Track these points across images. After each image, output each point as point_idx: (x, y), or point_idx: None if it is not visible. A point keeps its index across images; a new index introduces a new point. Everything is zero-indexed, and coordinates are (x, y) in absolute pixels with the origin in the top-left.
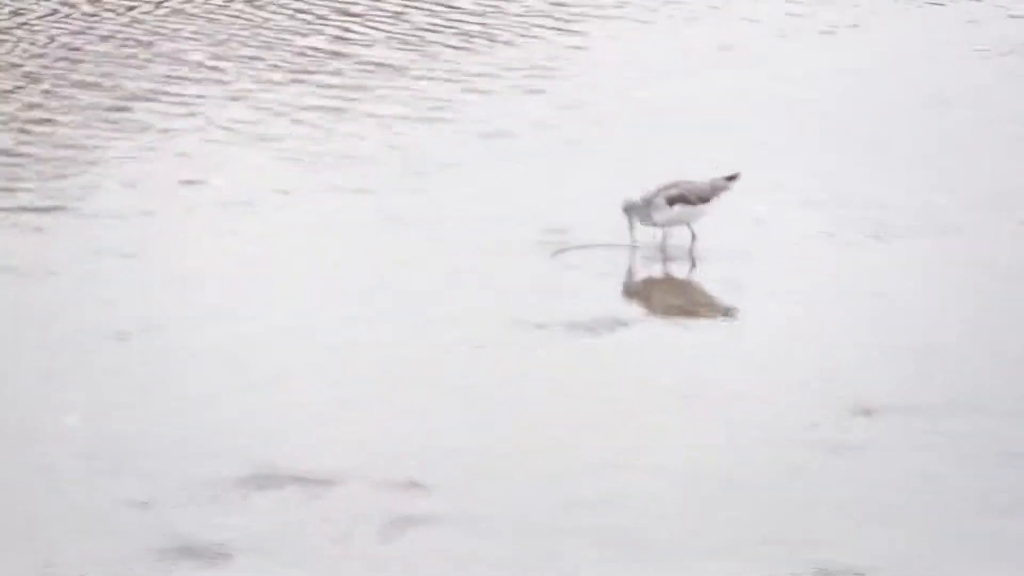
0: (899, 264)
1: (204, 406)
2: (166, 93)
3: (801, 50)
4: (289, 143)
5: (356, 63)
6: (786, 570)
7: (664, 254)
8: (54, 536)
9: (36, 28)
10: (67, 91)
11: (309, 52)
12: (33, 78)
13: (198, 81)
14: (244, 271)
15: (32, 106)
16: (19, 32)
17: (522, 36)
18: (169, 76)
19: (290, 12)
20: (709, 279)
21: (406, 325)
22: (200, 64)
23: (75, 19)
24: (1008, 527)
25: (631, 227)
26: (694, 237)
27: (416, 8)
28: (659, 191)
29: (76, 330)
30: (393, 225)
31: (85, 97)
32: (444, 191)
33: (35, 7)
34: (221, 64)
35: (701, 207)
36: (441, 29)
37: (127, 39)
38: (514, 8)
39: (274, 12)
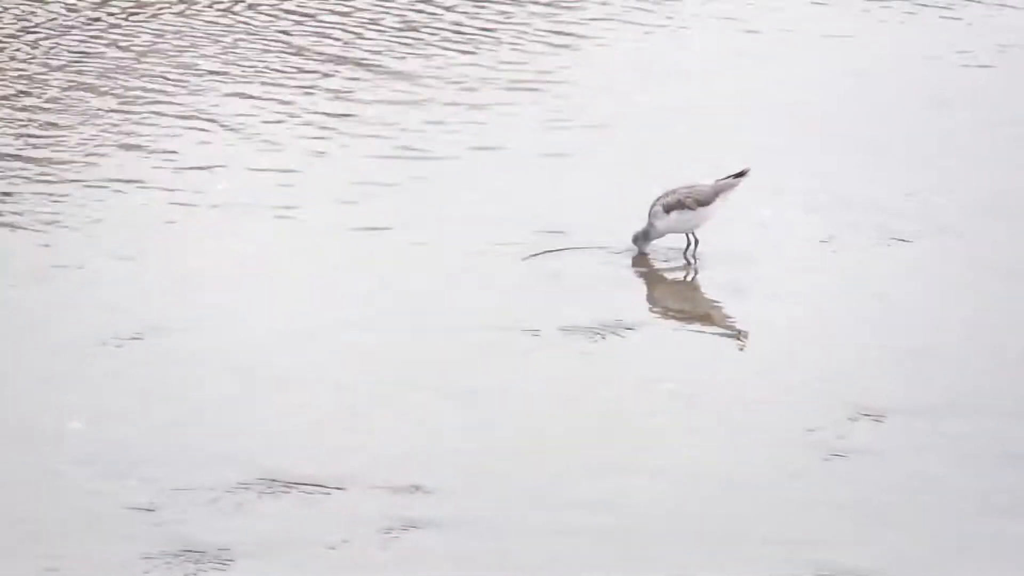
0: (900, 266)
1: (205, 410)
2: (168, 97)
3: (801, 53)
4: (290, 147)
5: (358, 67)
6: (787, 571)
7: (666, 257)
8: (56, 540)
9: (39, 33)
10: (70, 95)
11: (311, 56)
12: (36, 82)
13: (201, 85)
14: (245, 274)
15: (35, 110)
16: (22, 36)
17: (524, 40)
18: (172, 80)
19: (292, 17)
20: (710, 282)
21: (406, 328)
22: (203, 68)
23: (78, 24)
24: (1008, 528)
25: (643, 248)
26: (696, 241)
27: (418, 12)
28: (656, 201)
29: (78, 334)
30: (394, 228)
31: (88, 101)
32: (445, 194)
33: (39, 12)
34: (224, 68)
35: (701, 211)
36: (443, 33)
37: (130, 43)
38: (516, 13)
39: (276, 16)
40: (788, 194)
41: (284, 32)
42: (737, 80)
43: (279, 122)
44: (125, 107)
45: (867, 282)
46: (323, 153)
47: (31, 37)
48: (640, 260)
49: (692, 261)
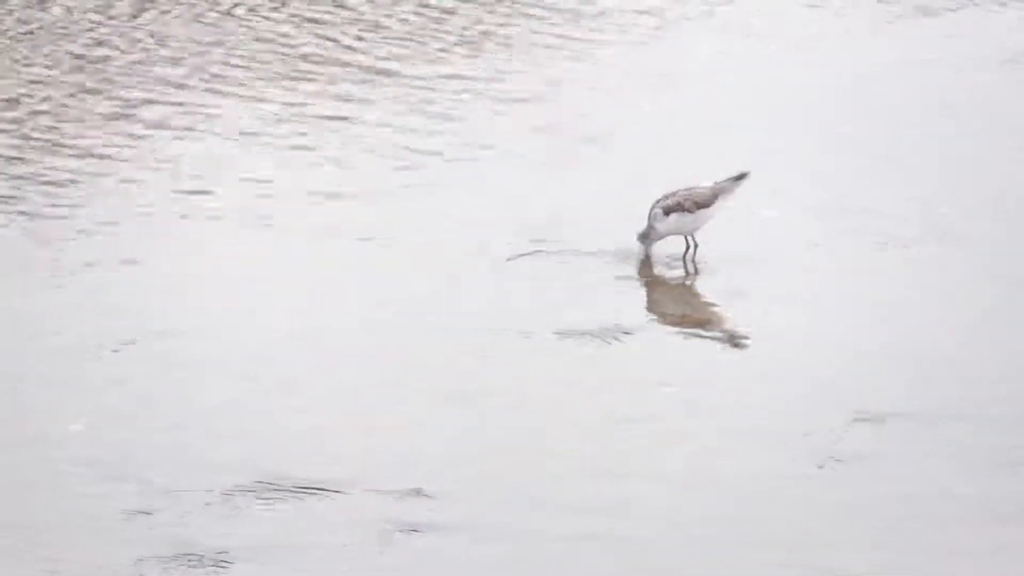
0: (900, 270)
1: (206, 413)
2: (170, 100)
3: (802, 58)
4: (292, 150)
5: (360, 69)
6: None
7: (666, 261)
8: (57, 543)
9: (41, 35)
10: (71, 98)
11: (312, 59)
12: (37, 85)
13: (202, 88)
14: (245, 279)
15: (36, 113)
16: (24, 39)
17: (525, 44)
18: (173, 83)
19: (293, 19)
20: (710, 286)
21: (406, 332)
22: (204, 71)
23: (80, 26)
24: (1010, 535)
25: (648, 252)
26: (696, 244)
27: (419, 15)
28: (656, 203)
29: (80, 337)
30: (394, 231)
31: (89, 104)
32: (445, 198)
33: (41, 15)
34: (225, 71)
35: (701, 213)
36: (445, 36)
37: (131, 46)
38: (517, 16)
39: (278, 19)
40: (789, 198)
41: (285, 35)
42: (739, 85)
43: (280, 126)
44: (126, 111)
45: (868, 287)
46: (325, 158)
47: (32, 40)
48: (640, 263)
49: (691, 265)
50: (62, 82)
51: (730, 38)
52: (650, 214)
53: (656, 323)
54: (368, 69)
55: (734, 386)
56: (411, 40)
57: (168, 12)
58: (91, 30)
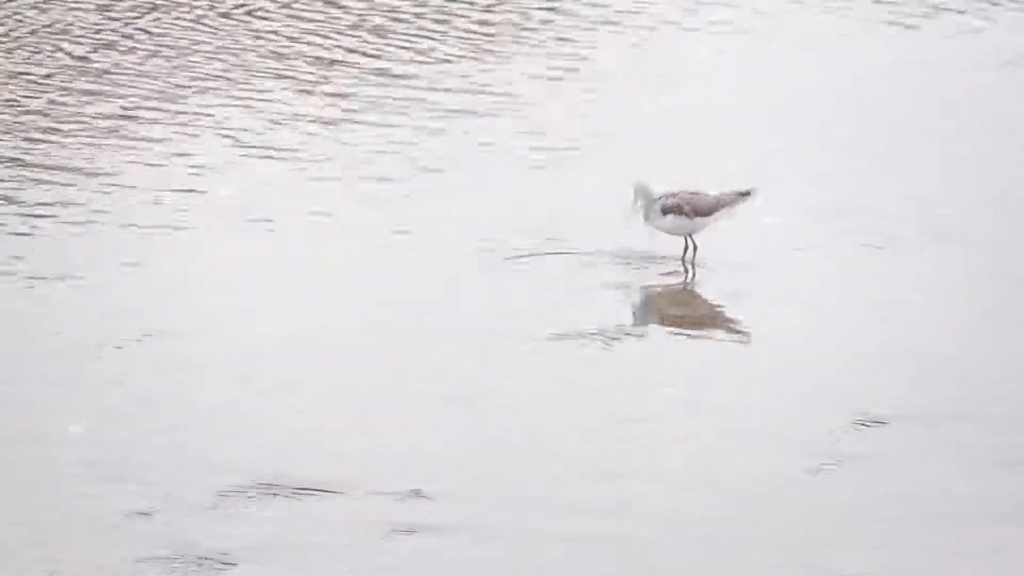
0: (902, 273)
1: (206, 414)
2: (171, 102)
3: (802, 58)
4: (293, 152)
5: (362, 71)
6: None
7: (666, 263)
8: (58, 543)
9: (41, 37)
10: (72, 100)
11: (313, 61)
12: (38, 87)
13: (203, 90)
14: (245, 279)
15: (37, 114)
16: (25, 41)
17: (526, 45)
18: (174, 85)
19: (294, 22)
20: (711, 287)
21: (406, 333)
22: (205, 74)
23: (80, 28)
24: (1010, 535)
25: (633, 208)
26: (695, 247)
27: (421, 18)
28: (665, 195)
29: (80, 338)
30: (396, 233)
31: (90, 106)
32: (445, 199)
33: (41, 17)
34: (227, 74)
35: (698, 221)
36: (447, 39)
37: (132, 48)
38: (519, 18)
39: (279, 22)
40: (790, 199)
41: (288, 38)
42: (738, 84)
43: (280, 127)
44: (126, 112)
45: (867, 287)
46: (327, 160)
47: (33, 42)
48: (640, 265)
49: (691, 266)
50: (63, 84)
51: (730, 38)
52: (652, 202)
53: (656, 325)
54: (368, 70)
55: (734, 387)
56: (411, 40)
57: (170, 16)
58: (91, 31)
